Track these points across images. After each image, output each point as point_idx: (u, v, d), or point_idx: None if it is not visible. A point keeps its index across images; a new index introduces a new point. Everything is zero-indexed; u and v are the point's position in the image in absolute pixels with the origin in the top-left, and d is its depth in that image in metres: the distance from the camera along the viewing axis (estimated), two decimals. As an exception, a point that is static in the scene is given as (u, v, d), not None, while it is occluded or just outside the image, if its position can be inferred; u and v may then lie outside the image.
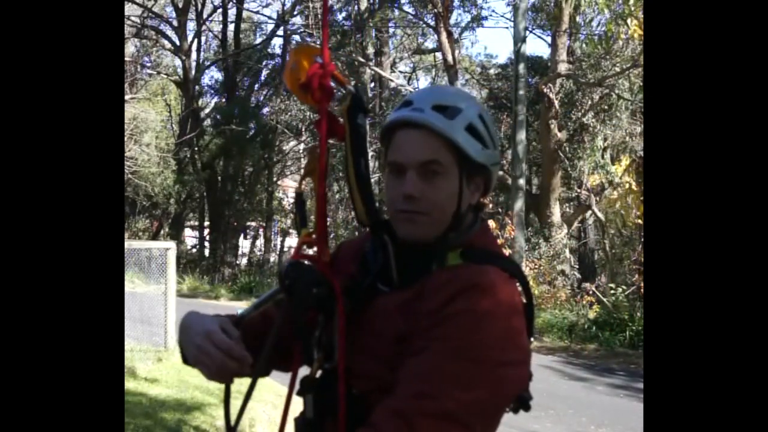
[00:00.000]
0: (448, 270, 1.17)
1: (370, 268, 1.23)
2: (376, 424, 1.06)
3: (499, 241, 10.66)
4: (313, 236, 1.24)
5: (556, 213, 14.70)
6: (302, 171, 1.33)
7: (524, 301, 1.19)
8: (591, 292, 12.42)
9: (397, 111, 1.22)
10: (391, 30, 19.68)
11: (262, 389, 6.31)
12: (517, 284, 1.19)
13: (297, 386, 1.22)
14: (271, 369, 1.32)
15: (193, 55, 22.85)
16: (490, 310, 1.09)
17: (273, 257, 23.45)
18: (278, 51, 23.58)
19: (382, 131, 1.24)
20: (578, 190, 15.26)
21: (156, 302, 7.79)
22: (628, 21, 8.01)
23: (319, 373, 1.20)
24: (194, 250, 23.54)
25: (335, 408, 1.14)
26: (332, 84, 1.22)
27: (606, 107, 14.43)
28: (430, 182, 1.17)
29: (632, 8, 7.75)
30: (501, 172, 9.43)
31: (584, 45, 13.26)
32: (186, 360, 1.27)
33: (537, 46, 70.82)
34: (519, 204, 12.77)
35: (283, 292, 1.19)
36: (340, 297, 1.17)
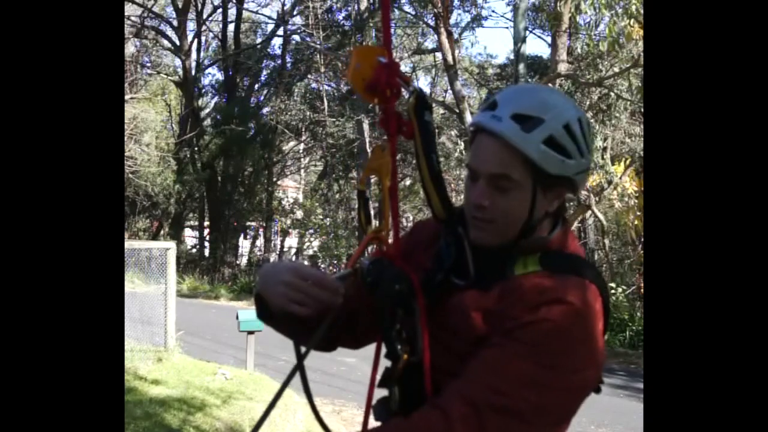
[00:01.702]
0: (530, 278, 1.18)
1: (444, 261, 1.25)
2: (446, 406, 1.09)
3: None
4: (383, 233, 1.27)
5: (556, 213, 14.65)
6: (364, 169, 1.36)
7: (603, 303, 1.20)
8: (591, 292, 12.38)
9: (482, 112, 1.21)
10: (391, 30, 19.59)
11: (263, 390, 6.30)
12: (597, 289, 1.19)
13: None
14: (336, 345, 1.41)
15: (193, 55, 22.85)
16: (572, 323, 1.12)
17: (273, 257, 23.41)
18: (278, 51, 23.57)
19: (470, 131, 1.27)
20: (578, 190, 15.22)
21: (156, 302, 7.77)
22: (638, 18, 7.96)
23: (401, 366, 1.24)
24: (194, 250, 23.49)
25: (420, 398, 1.17)
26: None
27: (605, 107, 14.40)
28: (501, 193, 1.18)
29: (634, 7, 7.73)
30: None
31: (585, 46, 13.22)
32: (262, 315, 1.30)
33: (537, 46, 70.77)
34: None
35: (366, 289, 1.23)
36: (420, 293, 1.20)
